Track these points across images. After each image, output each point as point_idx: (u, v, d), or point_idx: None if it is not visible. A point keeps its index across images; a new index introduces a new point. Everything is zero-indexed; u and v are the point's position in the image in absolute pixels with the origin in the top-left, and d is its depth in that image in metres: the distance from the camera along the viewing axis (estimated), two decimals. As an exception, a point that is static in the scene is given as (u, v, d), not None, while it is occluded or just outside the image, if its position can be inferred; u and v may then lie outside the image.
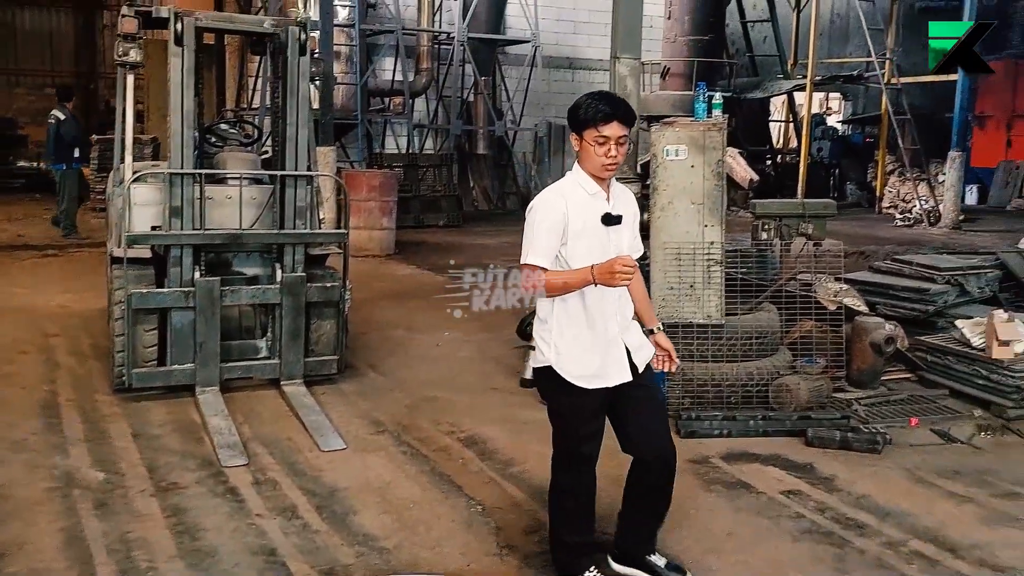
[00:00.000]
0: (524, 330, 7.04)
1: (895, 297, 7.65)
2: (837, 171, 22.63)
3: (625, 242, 3.47)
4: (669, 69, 18.90)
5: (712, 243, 5.92)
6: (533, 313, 6.70)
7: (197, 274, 5.78)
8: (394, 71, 18.44)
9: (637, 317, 3.63)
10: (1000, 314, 6.29)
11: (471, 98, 19.08)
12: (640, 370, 3.52)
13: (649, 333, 3.64)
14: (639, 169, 6.53)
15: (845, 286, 7.55)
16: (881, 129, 19.88)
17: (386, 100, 19.03)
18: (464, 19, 17.87)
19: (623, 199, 3.50)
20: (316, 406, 5.69)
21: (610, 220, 3.40)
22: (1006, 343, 6.13)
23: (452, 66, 18.51)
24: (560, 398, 3.51)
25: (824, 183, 21.42)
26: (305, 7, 15.76)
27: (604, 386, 3.44)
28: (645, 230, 6.09)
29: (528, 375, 6.44)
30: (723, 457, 5.14)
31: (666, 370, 3.65)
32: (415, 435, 5.42)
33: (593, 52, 20.72)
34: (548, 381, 3.52)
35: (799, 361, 6.09)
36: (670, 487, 3.64)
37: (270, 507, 4.35)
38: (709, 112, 6.04)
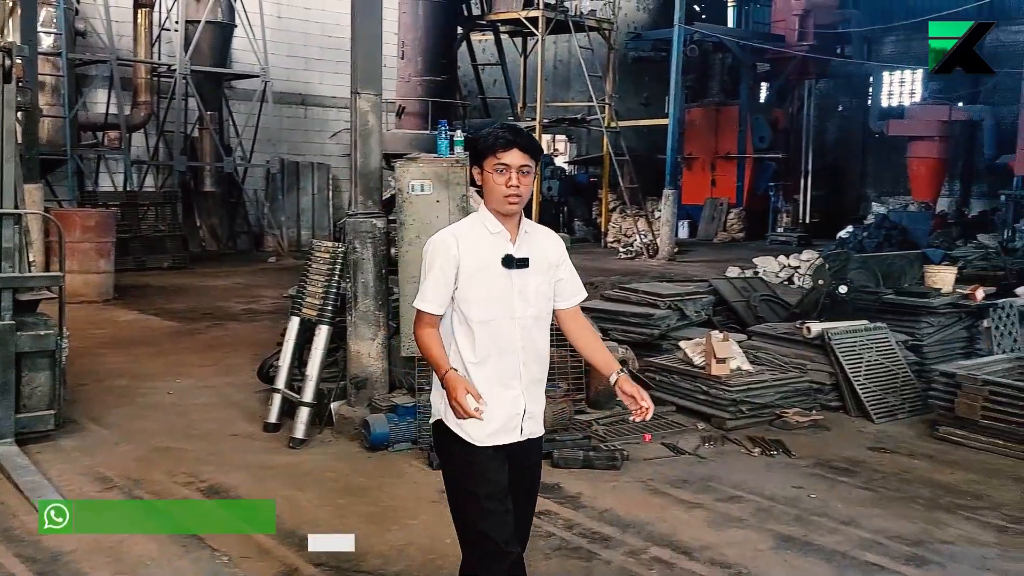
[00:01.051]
0: (266, 373, 6.78)
1: (625, 323, 8.15)
2: (566, 209, 23.91)
3: (532, 287, 3.11)
4: (404, 108, 19.16)
5: (456, 276, 6.00)
6: (276, 355, 6.54)
7: None
8: (108, 104, 17.26)
9: (591, 368, 3.39)
10: (716, 334, 6.88)
11: (196, 133, 18.26)
12: (527, 436, 3.15)
13: (611, 382, 3.21)
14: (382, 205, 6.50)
15: (578, 314, 7.95)
16: (603, 169, 21.27)
17: (100, 134, 17.74)
18: (186, 51, 17.11)
19: (538, 241, 3.17)
20: (31, 466, 5.13)
21: (511, 263, 3.07)
22: (723, 360, 6.71)
23: (174, 100, 17.63)
24: (452, 453, 3.12)
25: (555, 220, 22.53)
26: (2, 33, 14.42)
27: (494, 444, 3.07)
28: (394, 264, 6.12)
29: (272, 419, 6.19)
30: (474, 485, 5.20)
31: (638, 420, 3.19)
32: (149, 489, 5.03)
33: (327, 89, 20.59)
34: (439, 437, 3.17)
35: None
36: None
37: (-21, 581, 3.86)
38: (451, 149, 6.16)
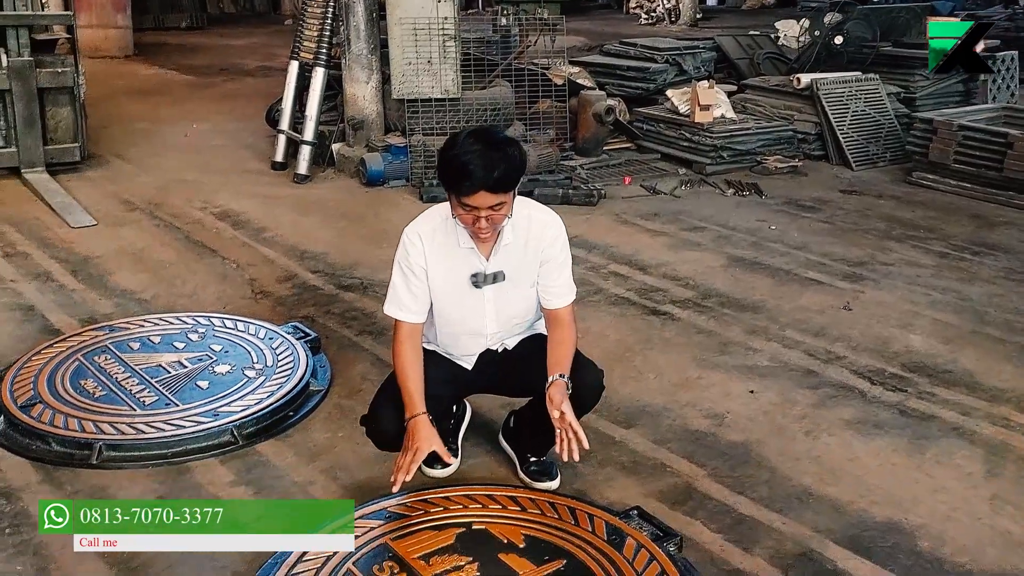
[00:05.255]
0: (272, 117, 7.17)
1: (621, 76, 8.36)
2: (588, -29, 23.09)
3: (515, 303, 2.79)
4: None
5: (446, 18, 6.22)
6: (280, 100, 6.91)
7: (-88, 59, 5.51)
8: None
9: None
10: (703, 83, 7.12)
11: None
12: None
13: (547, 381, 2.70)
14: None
15: (578, 68, 8.17)
16: (626, -73, 20.39)
17: None
18: None
19: (521, 247, 2.71)
20: (62, 190, 5.72)
21: (481, 281, 2.72)
22: (707, 107, 6.99)
23: None
24: None
25: (575, -15, 21.86)
26: None
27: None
28: (384, 9, 6.33)
29: (279, 157, 6.66)
30: (459, 214, 5.71)
31: (566, 459, 2.62)
32: (168, 211, 5.61)
33: None
34: None
35: (532, 132, 6.68)
36: None
37: (24, 274, 4.50)
38: None
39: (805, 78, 7.55)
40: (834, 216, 5.98)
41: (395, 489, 2.65)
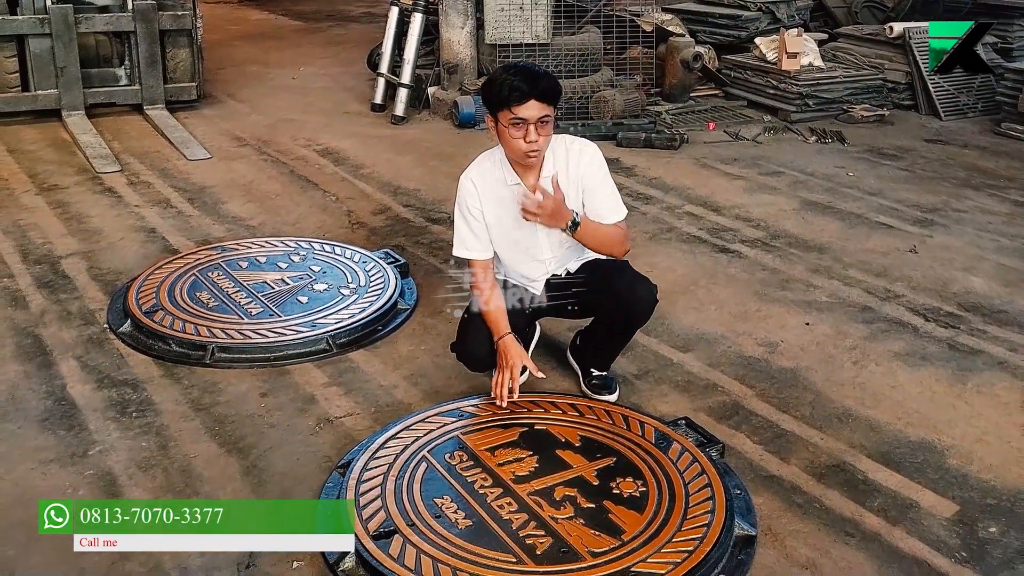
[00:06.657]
0: (373, 61, 7.55)
1: (712, 24, 8.39)
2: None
3: (560, 232, 2.97)
4: None
5: (538, -34, 6.45)
6: (381, 45, 7.27)
7: (49, 2, 6.04)
8: None
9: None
10: (791, 31, 7.17)
11: None
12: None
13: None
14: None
15: (670, 15, 8.26)
16: None
17: None
18: None
19: (562, 173, 2.94)
20: (180, 125, 6.24)
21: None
22: (794, 55, 7.04)
23: None
24: None
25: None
26: None
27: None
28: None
29: (378, 100, 7.04)
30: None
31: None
32: (275, 148, 6.06)
33: None
34: None
35: (619, 78, 6.87)
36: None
37: (146, 200, 5.01)
38: None
39: (898, 27, 7.50)
40: (914, 164, 6.03)
41: (503, 404, 2.99)
